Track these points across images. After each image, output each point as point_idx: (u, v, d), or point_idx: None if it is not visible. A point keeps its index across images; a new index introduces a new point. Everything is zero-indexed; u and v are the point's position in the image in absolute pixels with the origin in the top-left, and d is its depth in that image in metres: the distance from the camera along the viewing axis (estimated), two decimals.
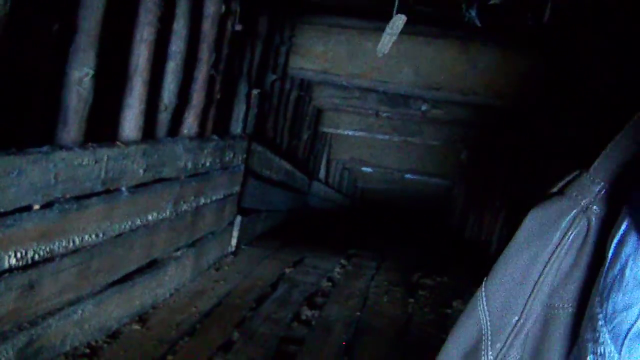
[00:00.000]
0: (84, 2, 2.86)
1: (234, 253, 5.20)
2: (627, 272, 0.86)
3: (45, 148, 2.55)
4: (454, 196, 12.73)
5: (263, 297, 4.31)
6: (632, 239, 0.87)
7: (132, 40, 3.35)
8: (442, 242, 9.13)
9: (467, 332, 1.19)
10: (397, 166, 11.76)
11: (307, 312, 4.12)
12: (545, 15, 3.59)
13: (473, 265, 6.48)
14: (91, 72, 2.88)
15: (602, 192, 1.03)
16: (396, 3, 2.40)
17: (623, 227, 0.90)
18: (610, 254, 0.92)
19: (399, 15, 2.39)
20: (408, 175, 12.65)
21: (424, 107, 7.81)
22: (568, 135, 5.37)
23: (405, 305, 4.61)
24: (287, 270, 5.04)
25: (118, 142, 3.15)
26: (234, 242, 5.19)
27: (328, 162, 11.06)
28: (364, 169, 12.77)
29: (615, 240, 0.91)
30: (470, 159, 10.70)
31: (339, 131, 9.91)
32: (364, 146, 11.31)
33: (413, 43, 6.37)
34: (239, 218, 5.19)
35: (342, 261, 5.67)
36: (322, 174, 10.69)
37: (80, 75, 2.86)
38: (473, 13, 3.97)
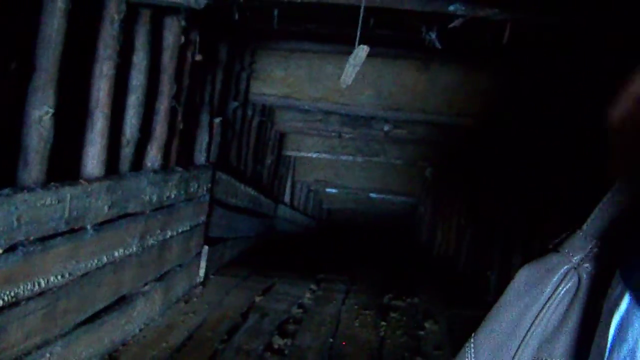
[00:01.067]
0: (41, 40, 2.82)
1: (203, 283, 5.14)
2: (638, 354, 0.84)
3: (6, 191, 2.50)
4: (420, 214, 12.75)
5: (234, 328, 4.26)
6: (638, 317, 0.85)
7: (91, 75, 3.32)
8: (411, 261, 9.13)
9: None
10: (362, 186, 11.77)
11: (279, 342, 4.07)
12: (505, 36, 3.63)
13: (443, 283, 6.49)
14: (51, 110, 2.84)
15: (595, 249, 1.03)
16: (359, 31, 2.40)
17: (624, 305, 0.88)
18: (612, 335, 0.89)
19: (361, 46, 2.39)
20: (373, 195, 12.66)
21: (386, 128, 7.84)
22: (530, 152, 5.41)
23: (377, 328, 4.58)
24: (257, 299, 4.99)
25: (81, 180, 3.10)
26: (202, 272, 5.13)
27: (293, 185, 11.03)
28: (328, 190, 12.76)
29: (615, 320, 0.89)
30: (435, 177, 10.75)
31: (302, 154, 9.89)
32: (328, 168, 11.31)
33: (374, 65, 6.39)
34: (206, 248, 5.14)
35: (312, 286, 5.63)
36: (287, 197, 10.65)
37: (40, 114, 2.81)
38: (433, 35, 4.00)
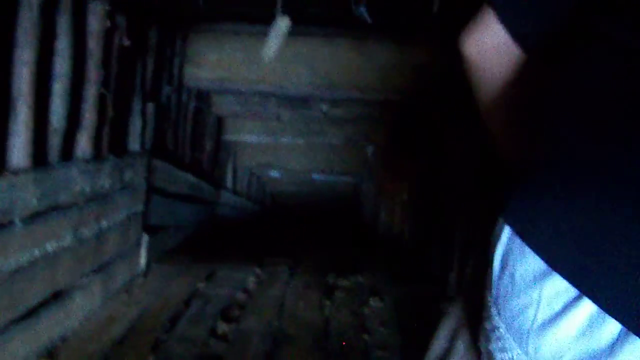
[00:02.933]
0: None
1: (144, 273, 5.05)
2: (517, 275, 0.92)
3: None
4: (363, 193, 12.80)
5: (177, 316, 4.19)
6: (516, 245, 0.94)
7: (11, 63, 3.20)
8: (355, 240, 9.15)
9: None
10: (304, 168, 11.74)
11: (223, 327, 4.02)
12: (435, 5, 3.61)
13: (387, 261, 6.51)
14: None
15: None
16: (278, 4, 2.33)
17: (505, 237, 0.97)
18: (497, 266, 0.98)
19: (282, 17, 2.32)
20: (316, 176, 12.65)
21: (324, 108, 7.81)
22: (467, 125, 5.43)
23: (322, 308, 4.56)
24: (200, 285, 4.93)
25: (6, 172, 2.99)
26: (142, 261, 5.04)
27: (234, 170, 10.94)
28: (271, 173, 12.72)
29: (499, 252, 0.98)
30: (376, 155, 10.78)
31: (242, 138, 9.80)
32: (269, 151, 11.25)
33: (308, 44, 6.33)
34: (145, 237, 5.05)
35: (256, 270, 5.58)
36: (229, 182, 10.56)
37: None
38: (362, 9, 3.96)
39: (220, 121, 8.95)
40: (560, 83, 0.98)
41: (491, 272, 0.99)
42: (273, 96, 7.65)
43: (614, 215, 0.81)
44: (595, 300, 0.80)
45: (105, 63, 4.13)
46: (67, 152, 3.78)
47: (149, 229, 5.19)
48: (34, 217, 3.17)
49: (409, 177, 8.12)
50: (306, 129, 9.52)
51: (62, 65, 3.60)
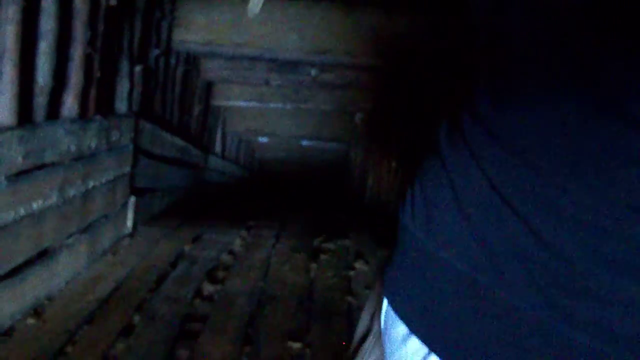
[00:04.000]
0: None
1: (131, 235, 5.07)
2: (392, 336, 1.11)
3: None
4: (351, 159, 12.81)
5: (163, 277, 4.22)
6: (390, 312, 1.12)
7: None
8: (343, 206, 9.18)
9: None
10: (293, 134, 11.73)
11: (208, 288, 4.05)
12: None
13: (374, 225, 6.53)
14: None
15: None
16: None
17: (385, 305, 1.16)
18: (383, 327, 1.19)
19: None
20: (304, 142, 12.66)
21: (313, 72, 7.79)
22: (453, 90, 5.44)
23: (307, 271, 4.60)
24: (187, 248, 4.95)
25: None
26: (129, 223, 5.05)
27: (223, 135, 10.93)
28: (260, 139, 12.71)
29: (383, 317, 1.19)
30: (365, 122, 10.77)
31: (230, 103, 9.77)
32: (258, 116, 11.23)
33: (298, 8, 6.31)
34: (132, 199, 5.06)
35: (243, 233, 5.61)
36: (218, 147, 10.55)
37: None
38: None
39: (209, 86, 8.92)
40: None
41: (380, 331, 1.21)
42: (262, 60, 7.63)
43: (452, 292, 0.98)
44: (438, 354, 0.99)
45: (91, 23, 4.10)
46: (54, 111, 3.78)
47: (136, 191, 5.19)
48: (19, 175, 3.17)
49: (397, 143, 8.14)
50: (295, 94, 9.49)
51: (47, 23, 3.57)
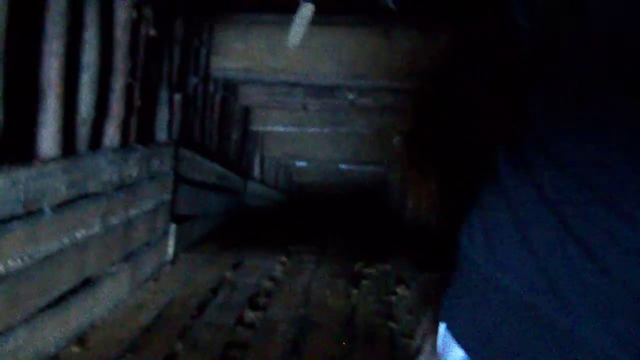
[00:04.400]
0: None
1: (172, 261, 5.10)
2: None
3: None
4: (390, 182, 12.77)
5: (204, 303, 4.23)
6: (447, 336, 1.13)
7: (41, 54, 3.24)
8: (382, 229, 9.15)
9: None
10: (331, 157, 11.75)
11: (250, 315, 4.05)
12: None
13: (414, 249, 6.50)
14: None
15: None
16: None
17: (442, 329, 1.17)
18: (440, 350, 1.19)
19: (306, 3, 2.33)
20: (343, 166, 12.67)
21: (351, 97, 7.81)
22: (496, 109, 5.39)
23: (348, 296, 4.58)
24: (228, 274, 4.97)
25: (36, 161, 3.04)
26: (170, 250, 5.09)
27: (261, 160, 10.98)
28: (298, 163, 12.74)
29: (440, 341, 1.19)
30: (403, 144, 10.74)
31: (268, 128, 9.84)
32: (296, 141, 11.26)
33: (334, 33, 6.33)
34: (173, 226, 5.10)
35: (283, 258, 5.61)
36: (256, 172, 10.61)
37: None
38: None
39: (247, 111, 8.99)
40: None
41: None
42: (299, 86, 7.67)
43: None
44: None
45: (132, 53, 4.17)
46: (96, 141, 3.83)
47: (176, 218, 5.23)
48: (63, 205, 3.22)
49: (436, 166, 8.10)
50: (333, 118, 9.52)
51: (90, 55, 3.64)
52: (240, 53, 6.43)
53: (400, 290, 4.73)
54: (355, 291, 4.70)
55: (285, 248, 6.12)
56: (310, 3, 2.30)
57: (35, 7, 3.21)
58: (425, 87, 6.66)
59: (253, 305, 4.26)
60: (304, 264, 5.52)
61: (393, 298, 4.58)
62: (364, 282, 4.96)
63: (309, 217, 10.88)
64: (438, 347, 1.18)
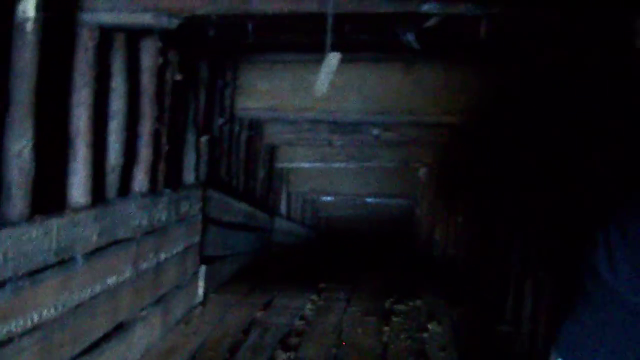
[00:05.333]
0: (14, 73, 2.80)
1: (202, 303, 5.10)
2: None
3: None
4: (417, 215, 12.72)
5: (236, 345, 4.22)
6: None
7: (70, 104, 3.29)
8: (411, 263, 9.11)
9: None
10: (357, 192, 11.76)
11: (282, 356, 4.04)
12: (481, 31, 3.61)
13: (444, 284, 6.46)
14: (30, 143, 2.81)
15: None
16: (328, 39, 2.38)
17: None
18: None
19: (333, 53, 2.37)
20: (369, 199, 12.67)
21: (375, 132, 7.83)
22: (521, 143, 5.38)
23: (380, 334, 4.55)
24: (258, 314, 4.96)
25: (67, 210, 3.07)
26: (200, 292, 5.10)
27: (288, 196, 11.01)
28: (324, 198, 12.77)
29: None
30: (429, 177, 10.72)
31: (294, 165, 9.88)
32: (321, 176, 11.29)
33: (357, 70, 6.37)
34: (202, 267, 5.11)
35: (313, 297, 5.60)
36: (283, 209, 10.62)
37: (19, 148, 2.79)
38: (411, 37, 3.98)
39: (272, 149, 9.03)
40: None
41: None
42: (324, 122, 7.70)
43: None
44: None
45: (158, 98, 4.21)
46: (125, 187, 3.87)
47: (205, 259, 5.25)
48: (94, 253, 3.24)
49: (463, 199, 8.06)
50: (358, 153, 9.54)
51: (117, 103, 3.69)
52: (265, 92, 6.48)
53: (432, 326, 4.69)
54: (386, 329, 4.67)
55: (314, 285, 6.11)
56: (337, 53, 2.33)
57: (63, 58, 3.27)
58: (450, 120, 6.66)
59: (285, 346, 4.25)
60: (334, 301, 5.50)
61: (425, 335, 4.54)
62: (395, 319, 4.93)
63: (337, 252, 10.86)
64: None
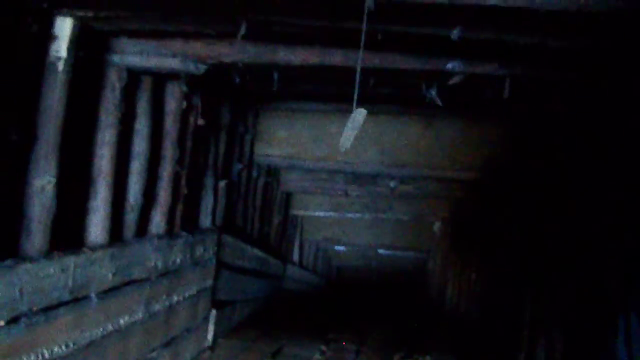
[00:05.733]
0: (43, 110, 2.84)
1: (211, 348, 5.08)
2: None
3: (8, 262, 2.50)
4: (429, 269, 12.67)
5: None
6: None
7: (93, 143, 3.34)
8: (422, 317, 9.04)
9: None
10: (370, 243, 11.74)
11: None
12: (505, 90, 3.64)
13: (455, 339, 6.41)
14: (53, 180, 2.84)
15: None
16: (355, 95, 2.42)
17: None
18: None
19: (359, 109, 2.40)
20: (382, 251, 12.63)
21: (392, 184, 7.84)
22: (538, 202, 5.38)
23: None
24: None
25: (84, 248, 3.09)
26: (210, 336, 5.08)
27: (301, 243, 11.00)
28: (337, 247, 12.74)
29: None
30: (444, 231, 10.69)
31: (309, 213, 9.90)
32: (335, 225, 11.29)
33: (377, 122, 6.41)
34: (213, 312, 5.10)
35: (322, 347, 5.56)
36: (295, 256, 10.61)
37: (42, 184, 2.82)
38: (433, 93, 4.02)
39: (288, 196, 9.06)
40: None
41: None
42: (341, 173, 7.73)
43: None
44: None
45: (180, 142, 4.25)
46: (142, 228, 3.89)
47: (217, 303, 5.24)
48: (108, 292, 3.25)
49: (477, 254, 8.03)
50: (373, 204, 9.55)
51: (140, 144, 3.74)
52: (284, 140, 6.53)
53: None
54: None
55: (324, 335, 6.07)
56: (363, 109, 2.37)
57: (90, 98, 3.32)
58: (467, 176, 6.67)
59: None
60: (343, 352, 5.46)
61: None
62: None
63: (348, 302, 10.80)
64: None
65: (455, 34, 2.75)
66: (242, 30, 2.92)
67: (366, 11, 2.36)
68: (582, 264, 4.00)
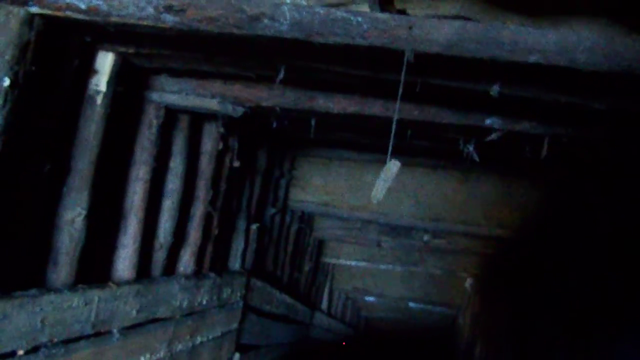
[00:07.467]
0: (78, 142, 2.87)
1: None
2: None
3: (32, 291, 2.50)
4: (459, 325, 12.50)
5: None
6: None
7: (127, 178, 3.35)
8: None
9: None
10: (401, 295, 11.63)
11: None
12: (543, 150, 3.59)
13: None
14: (84, 212, 2.85)
15: None
16: (390, 146, 2.40)
17: None
18: None
19: (393, 161, 2.39)
20: (412, 304, 12.50)
21: (425, 238, 7.78)
22: (570, 266, 5.29)
23: None
24: None
25: (110, 283, 3.09)
26: None
27: (330, 292, 10.92)
28: (367, 298, 12.63)
29: None
30: (475, 288, 10.57)
31: (341, 261, 9.83)
32: (366, 276, 11.22)
33: (413, 174, 6.39)
34: (237, 355, 5.05)
35: None
36: (324, 304, 10.53)
37: (73, 216, 2.83)
38: (471, 148, 3.99)
39: (320, 244, 9.02)
40: None
41: None
42: (375, 223, 7.69)
43: None
44: None
45: (214, 182, 4.26)
46: (170, 266, 3.88)
47: (241, 347, 5.19)
48: (131, 329, 3.24)
49: (508, 312, 7.91)
50: (405, 257, 9.48)
51: (174, 182, 3.75)
52: (320, 187, 6.52)
53: None
54: None
55: None
56: (397, 161, 2.35)
57: (126, 133, 3.34)
58: (501, 233, 6.59)
59: None
60: None
61: None
62: None
63: (375, 354, 10.68)
64: None
65: (494, 89, 2.72)
66: (281, 75, 2.92)
67: (405, 63, 2.35)
68: (620, 329, 3.91)
